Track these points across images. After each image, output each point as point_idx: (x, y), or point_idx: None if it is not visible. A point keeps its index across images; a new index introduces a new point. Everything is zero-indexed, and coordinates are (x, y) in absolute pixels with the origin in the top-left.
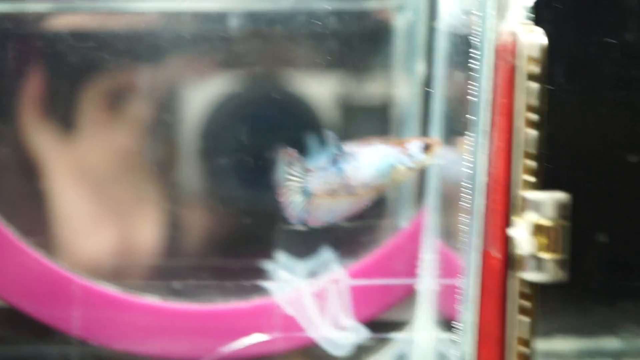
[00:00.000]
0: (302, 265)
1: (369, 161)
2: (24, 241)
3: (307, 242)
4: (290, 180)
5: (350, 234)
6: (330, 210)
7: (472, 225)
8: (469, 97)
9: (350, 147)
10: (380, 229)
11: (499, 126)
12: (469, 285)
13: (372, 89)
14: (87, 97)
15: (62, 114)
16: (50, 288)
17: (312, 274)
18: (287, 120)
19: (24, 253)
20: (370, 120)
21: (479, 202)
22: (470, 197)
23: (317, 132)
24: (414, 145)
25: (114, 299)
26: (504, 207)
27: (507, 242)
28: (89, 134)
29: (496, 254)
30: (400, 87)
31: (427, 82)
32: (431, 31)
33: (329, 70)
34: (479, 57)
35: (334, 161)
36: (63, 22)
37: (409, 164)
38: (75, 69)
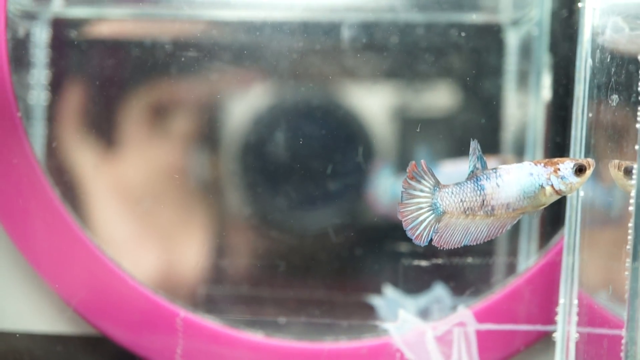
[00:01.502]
0: (413, 302)
1: (514, 180)
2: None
3: (418, 276)
4: (417, 196)
5: (468, 271)
6: (464, 231)
7: (637, 272)
8: (623, 124)
9: (492, 163)
10: (500, 267)
11: None
12: (635, 340)
13: (479, 108)
14: (130, 112)
15: (104, 129)
16: (150, 320)
17: (424, 312)
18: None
19: (124, 282)
20: (483, 141)
21: None
22: (636, 239)
23: (429, 148)
24: (567, 166)
25: (216, 334)
26: None
27: None
28: (131, 150)
29: None
30: (518, 107)
31: (558, 102)
32: (556, 46)
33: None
34: None
35: (474, 177)
36: (105, 30)
37: (560, 186)
38: (117, 81)
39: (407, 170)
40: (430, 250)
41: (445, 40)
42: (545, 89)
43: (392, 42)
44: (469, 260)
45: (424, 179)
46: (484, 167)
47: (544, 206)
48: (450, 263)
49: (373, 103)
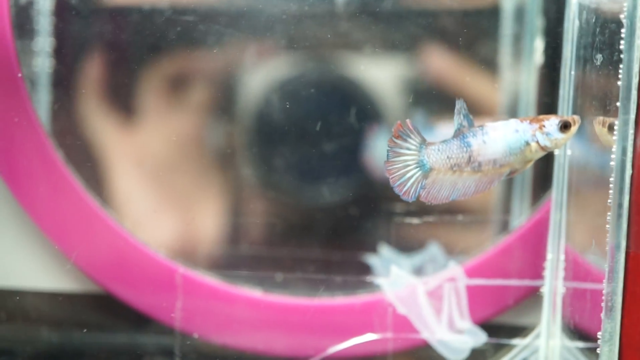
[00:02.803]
0: (407, 260)
1: (500, 136)
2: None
3: (413, 235)
4: (404, 154)
5: (461, 229)
6: (451, 187)
7: (618, 225)
8: (607, 82)
9: (479, 120)
10: (493, 225)
11: None
12: (616, 291)
13: (479, 73)
14: (149, 82)
15: (124, 99)
16: (151, 277)
17: (418, 270)
18: (365, 101)
19: (125, 240)
20: (479, 106)
21: (627, 200)
22: (617, 194)
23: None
24: (552, 122)
25: (215, 290)
26: None
27: None
28: (150, 119)
29: None
30: (512, 70)
31: (548, 64)
32: (548, 9)
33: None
34: (627, 37)
35: (460, 134)
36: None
37: (545, 142)
38: (136, 52)
39: (393, 130)
40: (426, 209)
41: (441, 5)
42: (538, 51)
43: (386, 8)
44: (463, 218)
45: (410, 137)
46: (471, 124)
47: (531, 162)
48: (445, 221)
49: (371, 70)
